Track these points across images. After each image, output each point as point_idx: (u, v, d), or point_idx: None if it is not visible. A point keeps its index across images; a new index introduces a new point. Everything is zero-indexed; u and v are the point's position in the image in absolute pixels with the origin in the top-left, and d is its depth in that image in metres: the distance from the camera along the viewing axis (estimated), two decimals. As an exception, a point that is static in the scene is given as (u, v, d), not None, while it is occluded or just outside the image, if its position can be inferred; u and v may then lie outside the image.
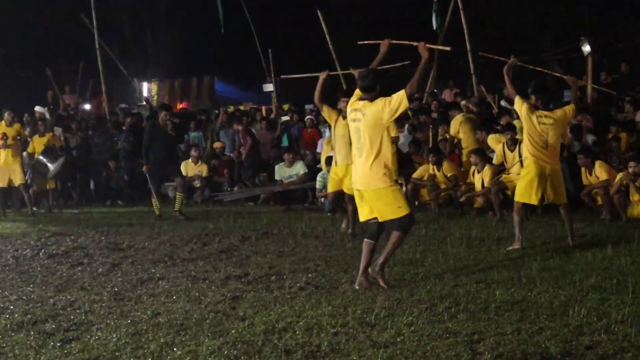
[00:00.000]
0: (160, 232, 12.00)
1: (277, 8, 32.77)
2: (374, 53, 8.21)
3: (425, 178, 14.29)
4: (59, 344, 5.85)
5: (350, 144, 10.69)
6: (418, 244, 10.10)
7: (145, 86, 31.06)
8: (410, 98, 7.64)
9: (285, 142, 18.74)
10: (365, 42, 9.02)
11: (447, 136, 15.27)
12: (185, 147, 18.15)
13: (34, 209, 15.68)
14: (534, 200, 9.93)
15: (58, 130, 17.56)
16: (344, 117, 10.70)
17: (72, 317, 6.66)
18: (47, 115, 18.31)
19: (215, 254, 9.89)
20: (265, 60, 21.04)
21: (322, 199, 14.75)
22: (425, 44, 7.76)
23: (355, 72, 10.85)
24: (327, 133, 17.05)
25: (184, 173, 15.54)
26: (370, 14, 29.99)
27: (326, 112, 11.07)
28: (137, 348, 5.72)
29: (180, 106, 28.14)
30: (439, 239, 10.51)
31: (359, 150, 7.68)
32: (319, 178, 14.68)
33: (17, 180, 15.27)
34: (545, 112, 9.78)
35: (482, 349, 5.49)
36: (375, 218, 7.74)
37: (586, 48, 17.33)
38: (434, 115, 17.16)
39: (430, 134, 15.31)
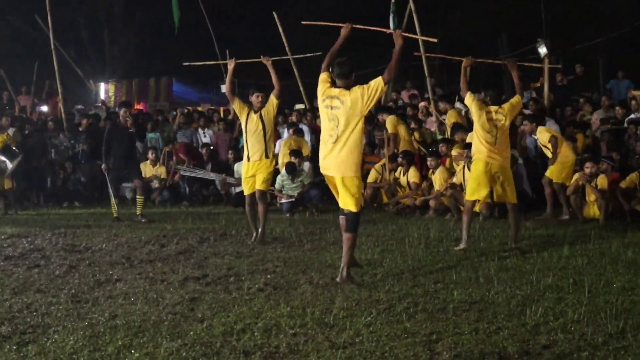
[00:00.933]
0: (117, 234, 11.88)
1: (234, 9, 32.67)
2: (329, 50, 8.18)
3: (379, 180, 14.40)
4: (15, 347, 5.78)
5: (265, 138, 10.70)
6: (376, 244, 10.15)
7: (102, 87, 30.81)
8: (387, 83, 7.75)
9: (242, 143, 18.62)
10: (310, 22, 9.17)
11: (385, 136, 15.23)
12: (143, 148, 18.00)
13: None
14: (482, 195, 10.03)
15: (12, 130, 17.37)
16: (255, 112, 10.65)
17: (29, 320, 6.57)
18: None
19: (173, 255, 9.82)
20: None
21: (280, 201, 14.72)
22: (400, 32, 7.95)
23: (265, 60, 10.86)
24: (285, 134, 17.03)
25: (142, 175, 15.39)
26: (327, 17, 30.00)
27: (237, 106, 10.73)
28: (94, 350, 5.66)
29: (137, 107, 27.89)
30: (398, 240, 10.57)
31: (332, 137, 7.73)
32: (277, 180, 14.63)
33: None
34: (495, 108, 9.88)
35: (440, 349, 5.53)
36: None
37: (542, 50, 17.51)
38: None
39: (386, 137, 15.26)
